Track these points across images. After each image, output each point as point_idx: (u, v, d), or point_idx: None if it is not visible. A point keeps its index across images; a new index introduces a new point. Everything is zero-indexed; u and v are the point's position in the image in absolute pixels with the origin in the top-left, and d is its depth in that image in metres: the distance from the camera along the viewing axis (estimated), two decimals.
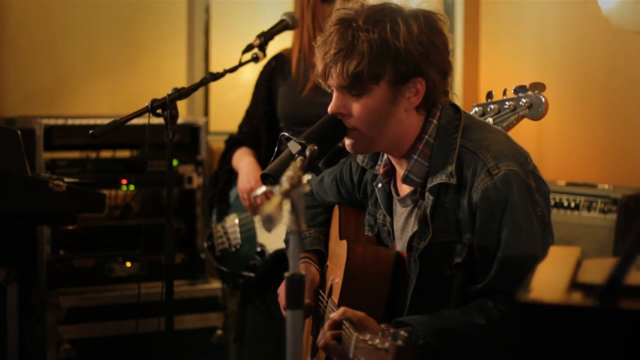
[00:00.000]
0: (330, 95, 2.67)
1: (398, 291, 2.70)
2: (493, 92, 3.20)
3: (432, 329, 2.44)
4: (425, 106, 2.63)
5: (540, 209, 2.58)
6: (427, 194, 2.61)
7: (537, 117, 3.12)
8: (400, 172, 2.69)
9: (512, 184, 2.52)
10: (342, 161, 3.04)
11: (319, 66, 2.61)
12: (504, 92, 3.18)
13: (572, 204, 4.13)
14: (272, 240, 3.97)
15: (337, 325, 2.50)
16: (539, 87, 3.12)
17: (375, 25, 2.54)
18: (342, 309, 2.51)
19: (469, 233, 2.55)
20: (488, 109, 3.17)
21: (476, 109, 3.20)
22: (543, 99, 3.09)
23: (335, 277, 2.80)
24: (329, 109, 2.64)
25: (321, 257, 3.01)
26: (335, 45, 2.56)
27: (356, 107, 2.60)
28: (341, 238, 2.87)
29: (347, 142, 2.67)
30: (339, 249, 2.84)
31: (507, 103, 3.15)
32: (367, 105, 2.58)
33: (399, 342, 2.19)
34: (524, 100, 3.11)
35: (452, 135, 2.62)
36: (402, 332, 2.21)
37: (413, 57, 2.54)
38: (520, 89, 3.14)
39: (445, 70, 2.62)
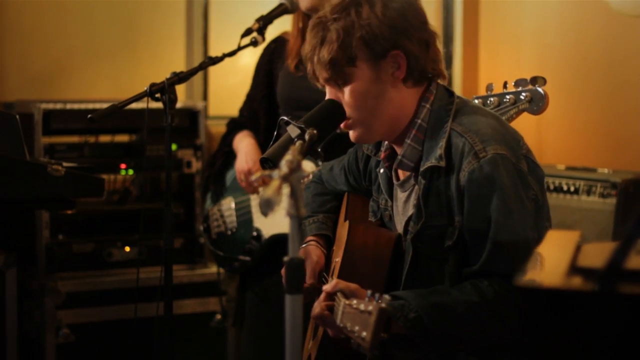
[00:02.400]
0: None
1: (397, 274, 2.71)
2: (493, 85, 3.19)
3: (424, 304, 2.45)
4: (414, 80, 2.65)
5: (534, 192, 2.58)
6: (419, 177, 2.62)
7: (537, 112, 3.11)
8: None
9: (499, 166, 2.52)
10: (350, 150, 3.05)
11: (309, 69, 2.70)
12: (505, 85, 3.17)
13: (572, 188, 4.12)
14: (268, 224, 3.97)
15: (330, 297, 2.52)
16: (539, 81, 3.11)
17: (340, 13, 2.62)
18: (334, 280, 2.54)
19: (459, 215, 2.56)
20: (488, 102, 3.17)
21: (476, 101, 3.20)
22: (544, 94, 3.08)
23: (337, 256, 2.82)
24: None
25: (328, 242, 3.02)
26: (310, 42, 2.66)
27: (345, 96, 2.64)
28: (345, 220, 2.89)
29: (350, 134, 2.70)
30: (342, 230, 2.85)
31: (507, 96, 3.14)
32: (353, 90, 2.62)
33: (382, 305, 2.20)
34: (524, 94, 3.11)
35: (444, 119, 2.63)
36: (386, 296, 2.23)
37: (382, 32, 2.59)
38: (520, 82, 3.13)
39: (425, 39, 2.65)
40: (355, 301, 2.32)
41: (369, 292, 2.30)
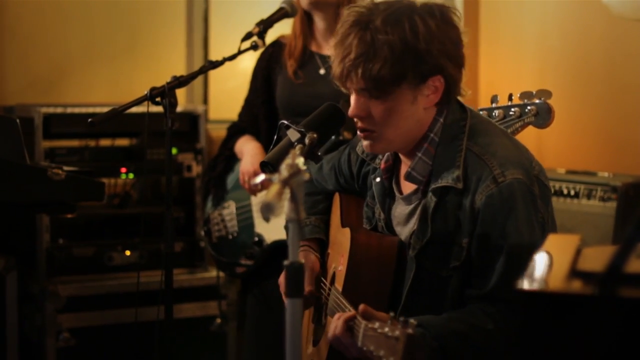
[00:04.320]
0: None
1: (401, 279, 2.70)
2: (498, 97, 3.18)
3: (444, 332, 2.43)
4: (444, 104, 2.61)
5: (541, 215, 2.56)
6: (430, 194, 2.59)
7: (543, 126, 3.09)
8: (404, 168, 2.68)
9: (516, 192, 2.50)
10: (340, 149, 3.03)
11: (337, 69, 2.57)
12: (510, 97, 3.15)
13: (572, 192, 4.12)
14: (270, 229, 3.97)
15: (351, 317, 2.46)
16: (545, 94, 3.10)
17: (394, 26, 2.50)
18: (362, 306, 2.44)
19: (467, 237, 2.54)
20: (493, 114, 3.15)
21: (481, 113, 3.19)
22: (550, 107, 3.07)
23: (339, 264, 2.80)
24: (350, 112, 2.61)
25: (322, 245, 3.01)
26: (355, 49, 2.51)
27: (377, 110, 2.56)
28: (343, 226, 2.87)
29: (365, 143, 2.64)
30: (341, 237, 2.83)
31: (512, 109, 3.12)
32: (388, 107, 2.55)
33: (410, 330, 2.17)
34: (529, 107, 3.09)
35: (458, 136, 2.60)
36: (411, 320, 2.20)
37: (433, 56, 2.52)
38: (526, 95, 3.11)
39: (461, 63, 2.61)
40: (377, 324, 2.27)
41: (392, 314, 2.27)
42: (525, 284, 1.70)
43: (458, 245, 2.55)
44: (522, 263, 2.45)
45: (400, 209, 2.73)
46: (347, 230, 2.78)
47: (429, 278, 2.60)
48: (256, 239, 4.02)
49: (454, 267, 2.56)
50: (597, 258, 1.78)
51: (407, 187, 2.71)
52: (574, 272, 1.73)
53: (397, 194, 2.74)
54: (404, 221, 2.71)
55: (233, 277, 4.33)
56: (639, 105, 4.41)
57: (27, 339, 4.47)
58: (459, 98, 2.69)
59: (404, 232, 2.70)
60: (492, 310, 2.47)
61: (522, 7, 5.06)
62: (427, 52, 2.51)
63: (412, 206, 2.69)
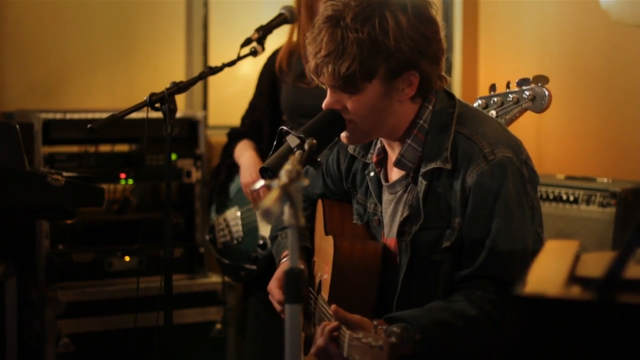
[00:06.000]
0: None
1: (387, 283, 2.70)
2: (496, 85, 3.20)
3: (427, 323, 2.44)
4: (420, 94, 2.64)
5: (531, 198, 2.59)
6: (420, 178, 2.61)
7: (540, 110, 3.12)
8: (393, 156, 2.70)
9: (507, 170, 2.53)
10: (327, 152, 3.03)
11: (311, 63, 2.62)
12: (507, 85, 3.18)
13: (571, 198, 4.13)
14: None
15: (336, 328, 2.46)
16: (542, 79, 3.12)
17: (363, 23, 2.53)
18: (333, 306, 2.47)
19: (459, 217, 2.56)
20: (491, 102, 3.18)
21: (479, 101, 3.21)
22: (546, 92, 3.10)
23: (324, 273, 2.79)
24: (323, 105, 2.65)
25: (307, 253, 3.01)
26: (326, 46, 2.56)
27: (350, 103, 2.60)
28: (327, 233, 2.86)
29: (343, 134, 2.68)
30: (325, 245, 2.83)
31: (510, 95, 3.15)
32: (361, 101, 2.59)
33: (393, 339, 2.18)
34: (527, 93, 3.12)
35: (447, 122, 2.63)
36: (394, 329, 2.22)
37: (404, 53, 2.55)
38: (523, 82, 3.14)
39: (437, 57, 2.63)
40: (362, 334, 2.27)
41: (375, 322, 2.29)
42: (524, 290, 1.70)
43: (450, 227, 2.57)
44: (510, 242, 2.49)
45: (386, 197, 2.75)
46: (331, 238, 2.77)
47: (423, 264, 2.61)
48: (260, 242, 4.04)
49: (446, 249, 2.57)
50: (596, 264, 1.78)
51: (394, 175, 2.74)
52: (573, 278, 1.73)
53: (383, 182, 2.76)
54: (392, 210, 2.72)
55: (238, 281, 4.34)
56: (638, 111, 4.41)
57: (26, 345, 4.46)
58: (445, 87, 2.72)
59: (394, 221, 2.71)
60: (477, 295, 2.48)
61: (521, 11, 5.07)
62: (397, 49, 2.54)
63: (397, 194, 2.71)
